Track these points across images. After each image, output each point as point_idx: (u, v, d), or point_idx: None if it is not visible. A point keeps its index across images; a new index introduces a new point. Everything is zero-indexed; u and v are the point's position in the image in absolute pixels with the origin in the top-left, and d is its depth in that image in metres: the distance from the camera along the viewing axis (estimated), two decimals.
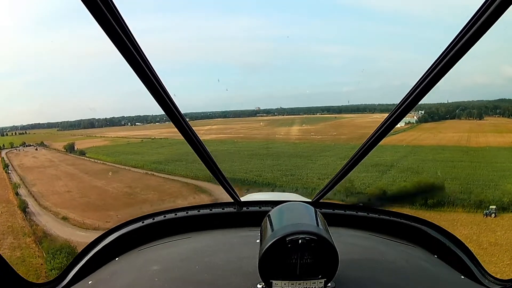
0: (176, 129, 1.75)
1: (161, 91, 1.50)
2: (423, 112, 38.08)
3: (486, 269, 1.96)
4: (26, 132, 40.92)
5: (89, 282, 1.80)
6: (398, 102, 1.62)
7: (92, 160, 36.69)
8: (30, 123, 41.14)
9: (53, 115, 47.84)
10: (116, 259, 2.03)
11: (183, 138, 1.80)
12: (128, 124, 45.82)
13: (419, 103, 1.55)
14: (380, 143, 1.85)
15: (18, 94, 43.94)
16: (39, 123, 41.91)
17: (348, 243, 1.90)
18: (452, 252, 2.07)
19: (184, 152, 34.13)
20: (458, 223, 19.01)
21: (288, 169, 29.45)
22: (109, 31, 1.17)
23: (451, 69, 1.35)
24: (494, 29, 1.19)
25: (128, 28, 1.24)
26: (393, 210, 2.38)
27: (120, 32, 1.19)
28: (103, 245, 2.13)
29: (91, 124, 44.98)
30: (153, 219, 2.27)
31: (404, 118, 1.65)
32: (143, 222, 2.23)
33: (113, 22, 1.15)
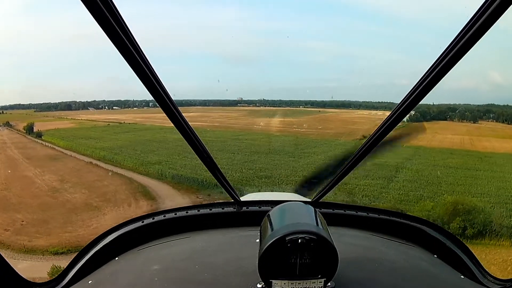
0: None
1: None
2: (413, 111, 34.36)
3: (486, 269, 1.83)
4: (2, 112, 38.99)
5: (89, 282, 1.74)
6: (399, 102, 1.53)
7: (44, 144, 31.64)
8: (12, 104, 39.77)
9: (37, 97, 45.39)
10: (116, 258, 1.94)
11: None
12: (105, 108, 43.56)
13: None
14: None
15: (2, 75, 41.33)
16: (19, 104, 40.57)
17: (348, 243, 1.84)
18: (452, 252, 1.97)
19: (146, 140, 29.80)
20: None
21: (263, 168, 21.86)
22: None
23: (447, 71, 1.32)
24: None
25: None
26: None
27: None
28: (102, 244, 2.03)
29: (68, 106, 43.03)
30: (153, 218, 2.16)
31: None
32: (142, 222, 2.15)
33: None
